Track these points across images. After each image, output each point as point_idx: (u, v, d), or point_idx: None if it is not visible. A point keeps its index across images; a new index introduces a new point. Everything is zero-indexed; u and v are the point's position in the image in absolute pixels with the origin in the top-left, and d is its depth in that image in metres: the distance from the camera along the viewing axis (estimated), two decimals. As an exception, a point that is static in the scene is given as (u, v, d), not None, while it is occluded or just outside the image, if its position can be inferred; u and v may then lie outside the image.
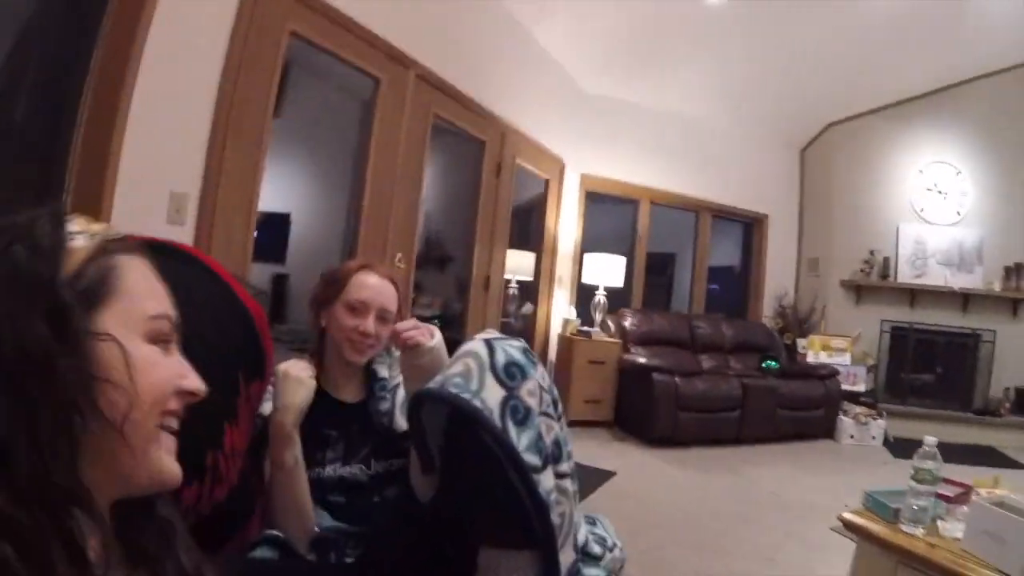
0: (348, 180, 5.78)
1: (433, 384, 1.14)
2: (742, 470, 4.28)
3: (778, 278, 6.76)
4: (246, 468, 1.21)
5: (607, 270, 5.31)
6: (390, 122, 3.62)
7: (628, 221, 6.19)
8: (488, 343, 1.18)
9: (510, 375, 1.14)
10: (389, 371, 1.56)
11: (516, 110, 4.70)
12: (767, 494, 3.73)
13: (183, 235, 2.44)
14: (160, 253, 0.70)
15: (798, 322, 6.20)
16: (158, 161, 2.37)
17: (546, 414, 1.17)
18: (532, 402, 1.14)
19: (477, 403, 1.08)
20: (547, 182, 5.33)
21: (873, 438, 5.30)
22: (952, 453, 4.86)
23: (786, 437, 5.11)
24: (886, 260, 6.23)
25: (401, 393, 1.53)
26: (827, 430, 5.35)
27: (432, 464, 1.21)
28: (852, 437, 5.28)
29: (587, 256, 5.42)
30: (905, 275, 6.21)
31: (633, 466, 4.18)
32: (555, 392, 1.22)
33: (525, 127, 4.85)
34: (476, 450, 1.09)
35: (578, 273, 5.62)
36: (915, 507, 1.68)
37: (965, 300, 6.16)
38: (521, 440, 1.08)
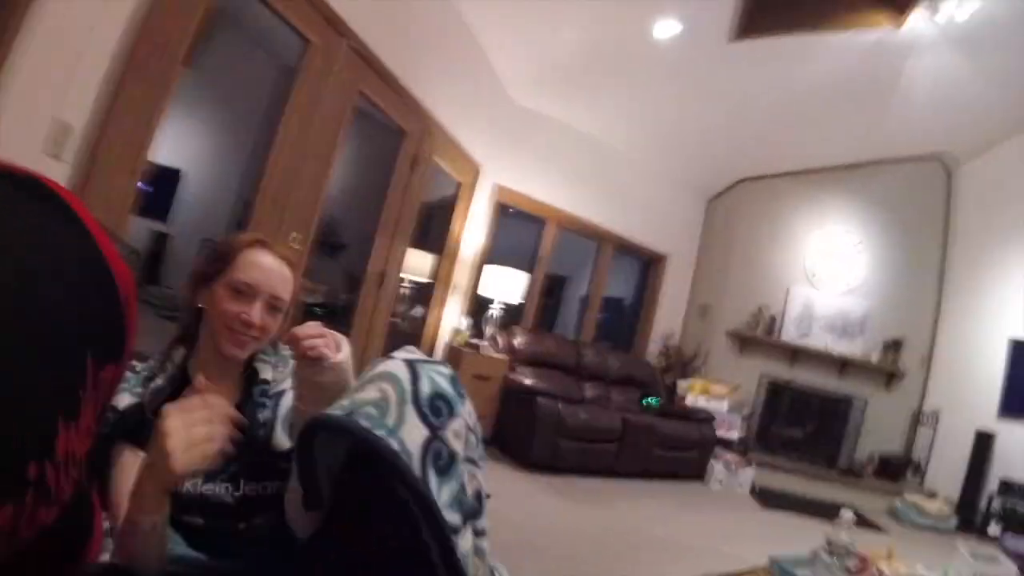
0: (251, 145, 5.53)
1: (337, 410, 0.91)
2: (616, 503, 4.22)
3: (668, 318, 6.86)
4: (83, 477, 0.85)
5: (506, 285, 5.18)
6: (312, 90, 3.36)
7: (531, 239, 6.13)
8: (411, 366, 0.96)
9: (435, 411, 0.92)
10: (273, 372, 1.31)
11: (442, 105, 4.52)
12: (642, 531, 3.66)
13: (59, 173, 2.12)
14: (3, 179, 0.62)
15: (681, 364, 6.28)
16: (46, 82, 2.05)
17: (470, 460, 0.97)
18: (457, 445, 0.94)
19: (394, 444, 0.86)
20: (459, 185, 5.17)
21: (740, 486, 5.38)
22: (810, 508, 5.08)
23: (659, 475, 5.10)
24: (773, 318, 6.43)
25: (286, 402, 1.27)
26: (698, 472, 5.39)
27: (319, 502, 0.98)
28: (720, 483, 5.33)
29: (488, 267, 5.28)
30: (790, 334, 6.43)
31: (509, 490, 4.03)
32: (479, 430, 1.02)
33: (448, 124, 4.67)
34: (384, 502, 0.88)
35: (475, 283, 5.48)
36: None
37: (843, 365, 6.47)
38: (442, 494, 0.88)
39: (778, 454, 6.25)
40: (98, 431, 0.97)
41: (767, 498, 5.23)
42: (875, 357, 6.48)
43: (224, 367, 1.24)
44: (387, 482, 0.86)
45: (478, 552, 0.94)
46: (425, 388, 0.93)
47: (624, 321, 7.16)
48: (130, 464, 1.06)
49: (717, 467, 5.37)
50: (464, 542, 0.89)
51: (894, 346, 6.50)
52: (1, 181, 0.66)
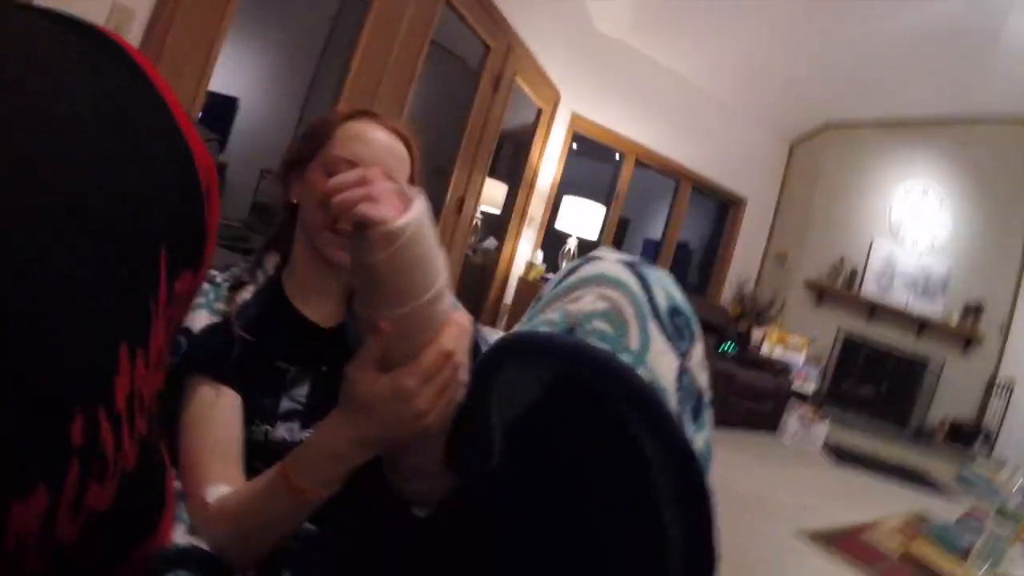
0: (311, 71, 5.29)
1: (542, 325, 0.65)
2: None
3: (743, 264, 6.60)
4: (152, 431, 0.59)
5: (584, 219, 4.94)
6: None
7: (605, 176, 5.89)
8: (634, 269, 0.67)
9: (678, 331, 0.65)
10: None
11: (527, 23, 4.24)
12: (724, 485, 3.49)
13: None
14: (79, 34, 0.52)
15: (756, 312, 6.04)
16: None
17: (711, 401, 0.69)
18: (703, 380, 0.67)
19: (643, 374, 0.59)
20: (539, 112, 4.93)
21: (813, 441, 5.17)
22: (883, 469, 4.87)
23: (734, 424, 4.93)
24: (854, 271, 6.14)
25: None
26: (772, 424, 5.19)
27: (489, 457, 0.72)
28: (794, 436, 5.13)
29: (566, 199, 5.05)
30: (870, 289, 6.15)
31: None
32: None
33: (532, 45, 4.39)
34: (613, 461, 0.64)
35: (550, 217, 5.26)
36: (992, 547, 1.41)
37: (921, 326, 6.18)
38: (696, 446, 0.62)
39: (848, 410, 6.05)
40: (168, 363, 0.70)
41: (840, 455, 5.02)
42: (954, 320, 6.19)
43: (327, 278, 0.95)
44: (620, 432, 0.61)
45: None
46: (661, 299, 0.66)
47: (690, 267, 6.91)
48: (209, 404, 0.81)
49: (791, 420, 5.16)
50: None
51: (974, 311, 6.19)
52: (74, 37, 0.53)
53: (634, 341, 0.61)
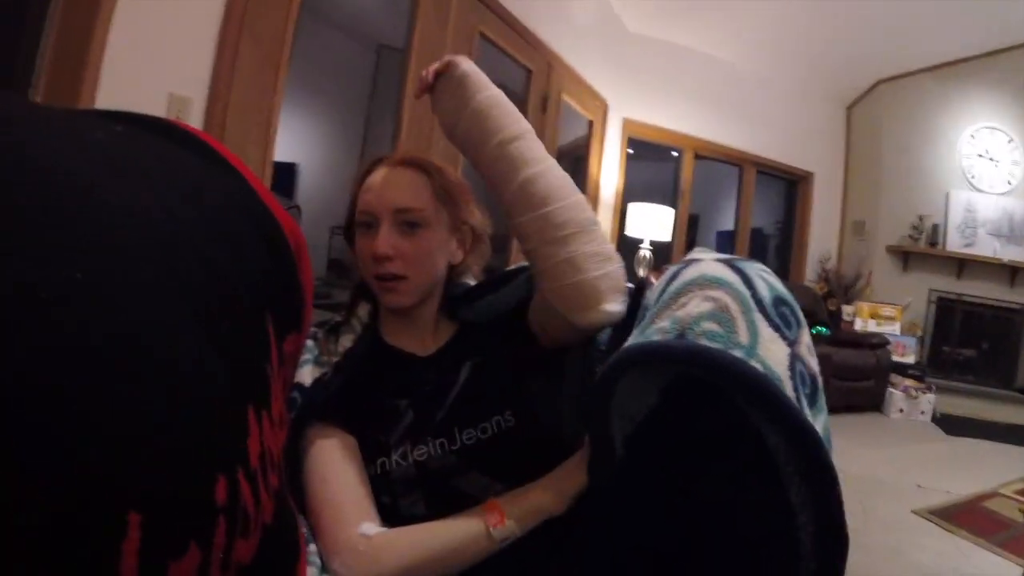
0: (362, 128, 5.45)
1: (655, 334, 0.67)
2: (803, 442, 3.96)
3: (821, 240, 6.39)
4: (283, 484, 0.64)
5: (653, 222, 4.88)
6: (432, 38, 3.16)
7: (667, 175, 5.80)
8: (734, 266, 0.73)
9: (784, 320, 0.69)
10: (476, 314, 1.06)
11: (561, 40, 4.24)
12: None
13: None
14: (147, 129, 0.57)
15: (842, 288, 5.86)
16: (154, 56, 1.90)
17: (823, 385, 0.73)
18: (814, 365, 0.70)
19: (757, 367, 0.62)
20: (591, 123, 4.89)
21: (922, 413, 4.99)
22: (996, 432, 4.67)
23: (836, 408, 4.78)
24: (935, 227, 5.88)
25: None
26: (875, 403, 5.04)
27: (611, 460, 0.76)
28: (901, 411, 4.96)
29: (631, 206, 4.99)
30: (954, 243, 5.87)
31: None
32: None
33: (570, 59, 4.39)
34: (736, 453, 0.65)
35: (619, 224, 5.21)
36: None
37: (1013, 273, 5.86)
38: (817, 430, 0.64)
39: (952, 377, 5.79)
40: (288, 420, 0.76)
41: (951, 425, 4.84)
42: (1047, 260, 5.85)
43: (413, 317, 1.00)
44: (742, 425, 0.62)
45: None
46: (764, 291, 0.70)
47: (768, 251, 6.75)
48: (332, 448, 0.85)
49: (896, 395, 4.99)
50: None
51: (1068, 246, 5.84)
52: (146, 132, 0.57)
53: (743, 335, 0.64)
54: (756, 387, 0.61)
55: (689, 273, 0.73)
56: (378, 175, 0.97)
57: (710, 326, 0.65)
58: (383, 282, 0.94)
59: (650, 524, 0.74)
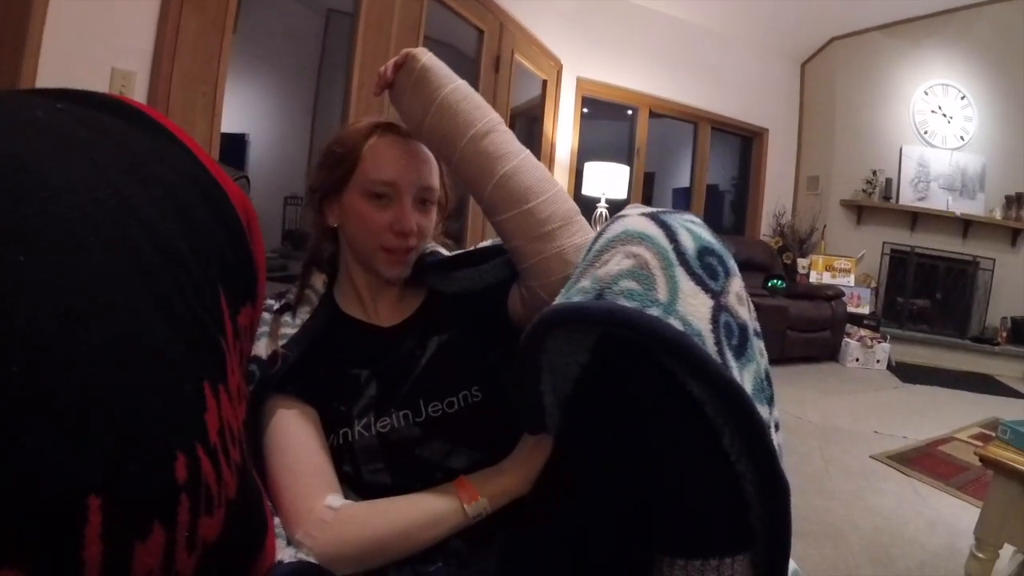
0: (312, 97, 5.35)
1: (576, 295, 0.68)
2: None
3: (776, 196, 6.45)
4: (245, 458, 0.63)
5: (609, 181, 4.87)
6: (379, 7, 3.09)
7: (622, 134, 5.79)
8: (656, 219, 0.72)
9: (710, 271, 0.69)
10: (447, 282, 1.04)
11: (513, 0, 4.18)
12: (792, 417, 3.46)
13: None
14: (89, 106, 0.56)
15: (798, 241, 5.93)
16: (95, 30, 1.85)
17: (757, 332, 0.73)
18: (744, 314, 0.70)
19: (676, 324, 0.63)
20: (544, 83, 4.85)
21: (878, 362, 5.11)
22: (950, 380, 4.79)
23: (794, 359, 4.88)
24: (888, 181, 5.96)
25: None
26: (832, 353, 5.15)
27: (539, 424, 0.79)
28: (857, 360, 5.07)
29: (587, 165, 4.98)
30: (907, 197, 5.97)
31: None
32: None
33: (523, 19, 4.34)
34: (666, 409, 0.66)
35: (575, 183, 5.20)
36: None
37: (965, 226, 5.98)
38: (744, 382, 0.65)
39: (906, 326, 5.91)
40: (247, 393, 0.79)
41: (906, 373, 4.96)
42: (998, 214, 5.95)
43: (380, 287, 0.99)
44: (668, 381, 0.63)
45: (779, 451, 0.69)
46: (687, 243, 0.69)
47: (723, 207, 6.80)
48: (293, 421, 0.84)
49: (852, 345, 5.09)
50: (775, 441, 0.66)
51: (1017, 200, 5.93)
52: (89, 110, 0.56)
53: (662, 292, 0.64)
54: (673, 344, 0.61)
55: (613, 229, 0.72)
56: (395, 146, 0.93)
57: (629, 284, 0.65)
58: (394, 254, 0.93)
59: (597, 484, 0.74)
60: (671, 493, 0.67)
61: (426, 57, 0.91)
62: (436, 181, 0.96)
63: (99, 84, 1.84)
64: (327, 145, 0.97)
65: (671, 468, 0.67)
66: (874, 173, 5.95)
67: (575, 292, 0.68)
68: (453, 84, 0.89)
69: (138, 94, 1.96)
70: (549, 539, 0.79)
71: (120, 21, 1.92)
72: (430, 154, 0.96)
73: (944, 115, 6.07)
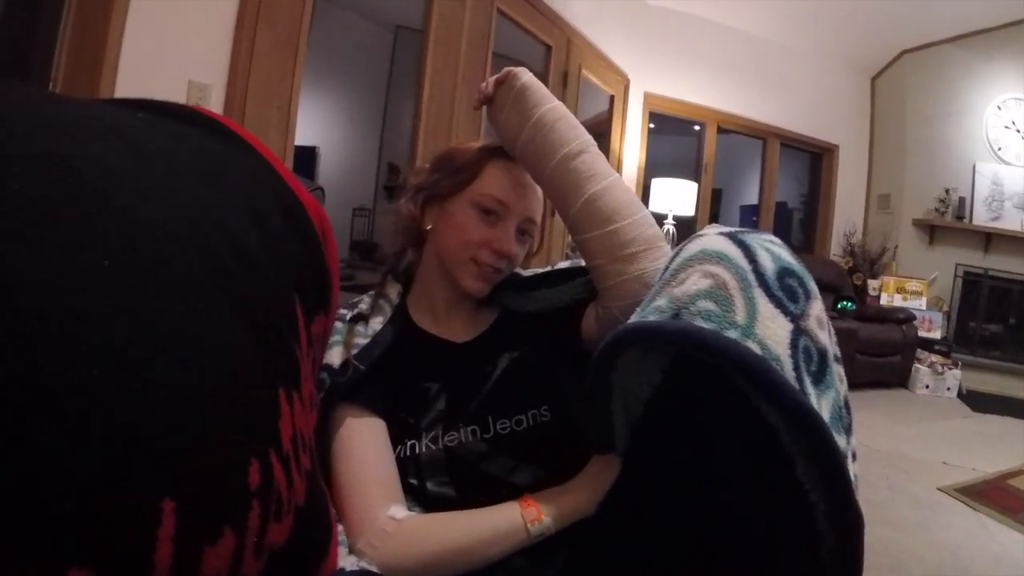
0: (381, 109, 5.46)
1: (652, 313, 0.67)
2: (827, 417, 3.93)
3: (846, 214, 6.30)
4: (315, 465, 0.64)
5: (676, 197, 4.82)
6: (449, 16, 3.12)
7: (689, 149, 5.73)
8: (735, 239, 0.70)
9: (790, 293, 0.66)
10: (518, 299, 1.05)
11: (580, 14, 4.18)
12: (859, 444, 3.35)
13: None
14: (169, 116, 0.57)
15: (868, 262, 5.78)
16: (172, 43, 1.90)
17: (837, 357, 0.70)
18: (824, 338, 0.68)
19: (755, 347, 0.61)
20: (612, 98, 4.84)
21: (948, 389, 4.94)
22: (1022, 410, 4.59)
23: (862, 384, 4.76)
24: (961, 200, 5.77)
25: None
26: (901, 378, 5.00)
27: (608, 443, 0.79)
28: (927, 387, 4.92)
29: (655, 181, 4.94)
30: (980, 217, 5.76)
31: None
32: None
33: (589, 35, 4.34)
34: (738, 435, 0.65)
35: (642, 200, 5.11)
36: None
37: (1040, 248, 5.75)
38: (822, 408, 0.63)
39: (978, 352, 5.70)
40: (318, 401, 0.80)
41: (977, 401, 4.78)
42: (1073, 234, 5.72)
43: (457, 300, 1.00)
44: (742, 405, 0.61)
45: (855, 482, 0.66)
46: (767, 264, 0.68)
47: (792, 225, 6.67)
48: (360, 431, 0.85)
49: (922, 371, 4.94)
50: (850, 472, 0.63)
51: (1095, 220, 5.71)
52: (176, 120, 0.58)
53: (740, 314, 0.63)
54: (750, 369, 0.59)
55: (690, 248, 0.71)
56: (514, 172, 0.96)
57: (706, 305, 0.64)
58: (482, 270, 0.94)
59: (669, 506, 0.74)
60: (742, 519, 0.67)
61: (527, 76, 0.93)
62: (539, 218, 0.99)
63: (176, 96, 1.89)
64: (445, 151, 1.01)
65: (743, 493, 0.67)
66: (947, 191, 5.77)
67: (651, 311, 0.68)
68: (550, 104, 0.92)
69: (214, 107, 2.01)
70: (616, 560, 0.79)
71: (196, 34, 1.97)
72: (540, 191, 0.98)
73: (1018, 131, 5.85)
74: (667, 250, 0.86)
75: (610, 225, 0.85)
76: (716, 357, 0.60)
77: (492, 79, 0.95)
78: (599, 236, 0.86)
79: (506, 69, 0.94)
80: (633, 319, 0.70)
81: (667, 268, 0.73)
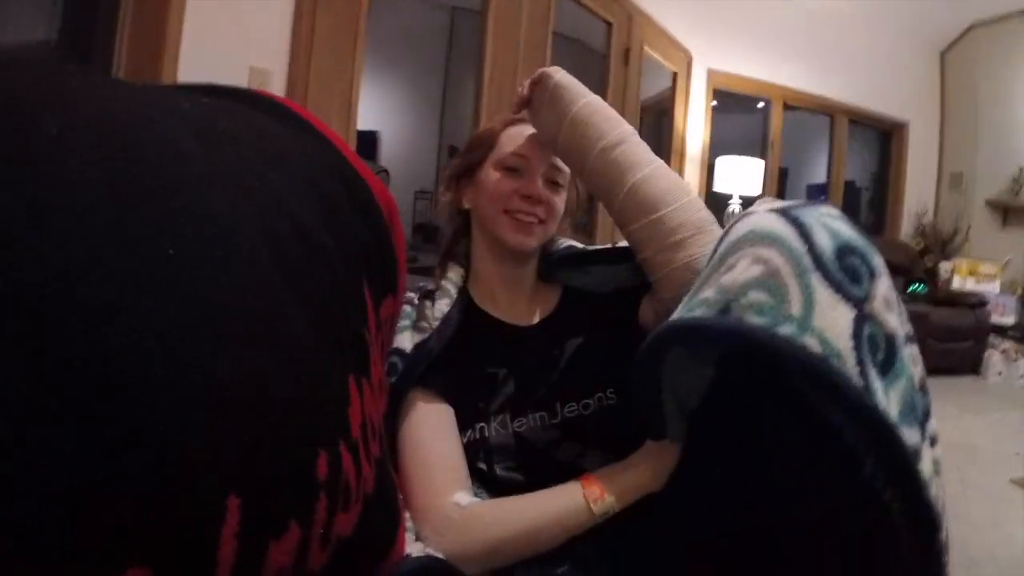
0: (440, 92, 5.50)
1: (699, 307, 0.63)
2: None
3: (917, 194, 6.09)
4: (384, 452, 0.64)
5: (742, 176, 4.70)
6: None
7: (755, 127, 5.59)
8: (788, 215, 0.63)
9: (852, 273, 0.60)
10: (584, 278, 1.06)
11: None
12: None
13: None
14: (234, 100, 0.57)
15: (940, 244, 5.60)
16: (232, 30, 1.92)
17: (909, 337, 0.63)
18: (892, 321, 0.60)
19: (813, 344, 0.56)
20: (675, 75, 4.73)
21: (1021, 377, 4.79)
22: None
23: (931, 371, 4.54)
24: (1037, 179, 5.55)
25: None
26: (973, 365, 4.86)
27: (660, 434, 0.79)
28: (1000, 374, 4.77)
29: (719, 160, 4.83)
30: (1056, 197, 5.54)
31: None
32: None
33: (650, 10, 4.26)
34: (797, 437, 0.63)
35: (707, 180, 5.05)
36: None
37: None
38: (891, 404, 0.57)
39: (1051, 337, 5.52)
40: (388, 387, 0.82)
41: (1050, 389, 4.63)
42: None
43: (511, 277, 1.01)
44: (800, 403, 0.59)
45: (935, 469, 0.60)
46: (824, 242, 0.60)
47: (861, 205, 6.49)
48: (430, 416, 0.86)
49: (994, 357, 4.79)
50: (927, 462, 0.58)
51: None
52: (240, 103, 0.58)
53: (795, 305, 0.58)
54: (808, 370, 0.56)
55: (739, 229, 0.65)
56: (528, 132, 0.99)
57: (758, 296, 0.59)
58: (518, 221, 0.95)
59: (731, 499, 0.73)
60: (811, 511, 0.65)
61: (559, 75, 0.94)
62: (566, 168, 0.99)
63: (237, 82, 1.92)
64: (471, 138, 1.06)
65: (812, 485, 0.64)
66: (1021, 171, 5.55)
67: (697, 303, 0.64)
68: (585, 99, 0.92)
69: (275, 91, 2.02)
70: (668, 549, 0.80)
71: (256, 20, 1.99)
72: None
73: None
74: (717, 234, 0.81)
75: (655, 213, 0.83)
76: (770, 357, 0.58)
77: (527, 81, 0.97)
78: (645, 225, 0.84)
79: (540, 70, 0.95)
80: (678, 312, 0.66)
81: (715, 252, 0.69)
